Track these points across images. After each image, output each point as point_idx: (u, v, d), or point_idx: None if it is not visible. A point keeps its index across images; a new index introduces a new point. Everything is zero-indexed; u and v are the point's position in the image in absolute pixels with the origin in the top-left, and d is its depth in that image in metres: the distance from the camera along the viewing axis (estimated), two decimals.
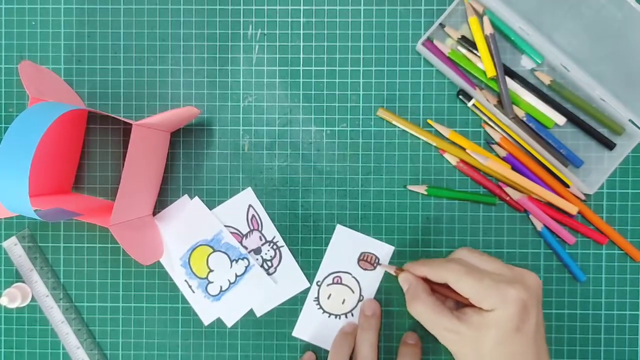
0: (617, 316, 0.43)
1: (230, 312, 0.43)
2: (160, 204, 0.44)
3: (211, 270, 0.43)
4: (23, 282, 0.44)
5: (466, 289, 0.35)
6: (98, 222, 0.38)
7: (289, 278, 0.43)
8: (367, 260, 0.43)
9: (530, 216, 0.43)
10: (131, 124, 0.37)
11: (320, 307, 0.43)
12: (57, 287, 0.44)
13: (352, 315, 0.43)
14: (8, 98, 0.45)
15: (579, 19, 0.39)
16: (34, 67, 0.39)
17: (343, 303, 0.43)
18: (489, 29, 0.42)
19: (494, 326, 0.34)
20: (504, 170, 0.42)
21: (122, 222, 0.39)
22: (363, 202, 0.44)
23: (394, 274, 0.41)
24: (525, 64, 0.43)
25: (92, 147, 0.45)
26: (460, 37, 0.43)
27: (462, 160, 0.43)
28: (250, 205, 0.43)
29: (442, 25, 0.43)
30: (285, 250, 0.43)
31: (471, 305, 0.35)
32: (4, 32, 0.45)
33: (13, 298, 0.43)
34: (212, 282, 0.43)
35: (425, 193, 0.43)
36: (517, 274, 0.35)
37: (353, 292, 0.43)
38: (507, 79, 0.42)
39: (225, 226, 0.43)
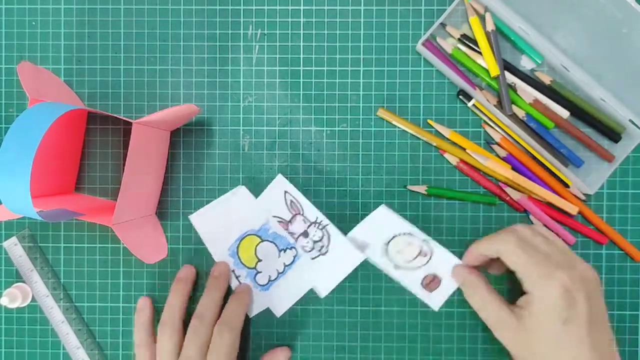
0: (617, 316, 0.43)
1: (279, 302, 0.42)
2: (161, 204, 0.44)
3: (259, 260, 0.42)
4: (23, 282, 0.44)
5: (513, 262, 0.35)
6: (101, 222, 0.38)
7: (342, 254, 0.42)
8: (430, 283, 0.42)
9: (530, 216, 0.43)
10: (131, 123, 0.37)
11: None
12: (58, 287, 0.44)
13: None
14: (8, 98, 0.45)
15: (579, 19, 0.39)
16: (33, 68, 0.39)
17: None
18: (490, 26, 0.42)
19: (537, 312, 0.33)
20: (504, 170, 0.42)
21: (125, 222, 0.39)
22: (363, 202, 0.44)
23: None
24: (525, 64, 0.43)
25: (92, 147, 0.45)
26: (461, 34, 0.43)
27: (462, 160, 0.43)
28: (285, 192, 0.43)
29: (443, 25, 0.43)
30: (332, 228, 0.42)
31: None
32: (4, 32, 0.45)
33: (13, 298, 0.43)
34: (260, 272, 0.42)
35: (425, 193, 0.43)
36: (569, 260, 0.35)
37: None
38: (510, 75, 0.42)
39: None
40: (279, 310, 0.43)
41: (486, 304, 0.37)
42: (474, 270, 0.39)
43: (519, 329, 0.34)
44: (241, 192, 0.43)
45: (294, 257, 0.42)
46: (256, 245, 0.42)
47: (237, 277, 0.42)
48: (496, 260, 0.38)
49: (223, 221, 0.43)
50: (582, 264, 0.35)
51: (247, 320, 0.43)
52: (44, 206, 0.39)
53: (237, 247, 0.43)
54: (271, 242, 0.42)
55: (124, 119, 0.39)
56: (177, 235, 0.44)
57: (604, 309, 0.35)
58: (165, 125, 0.42)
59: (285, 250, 0.42)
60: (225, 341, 0.37)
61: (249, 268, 0.42)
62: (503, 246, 0.36)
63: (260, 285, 0.42)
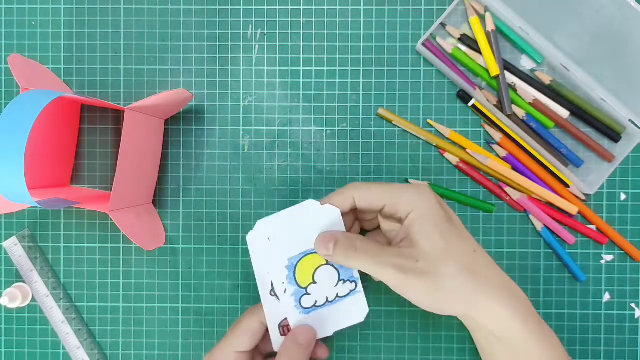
0: (617, 316, 0.43)
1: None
2: (161, 204, 0.44)
3: (314, 282, 0.39)
4: (23, 282, 0.44)
5: (379, 196, 0.35)
6: (98, 209, 0.38)
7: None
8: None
9: (530, 216, 0.43)
10: (123, 111, 0.37)
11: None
12: (58, 287, 0.44)
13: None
14: (8, 98, 0.45)
15: (579, 19, 0.39)
16: (23, 60, 0.39)
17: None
18: (491, 26, 0.42)
19: (423, 219, 0.34)
20: (504, 170, 0.42)
21: (122, 209, 0.39)
22: None
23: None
24: (525, 64, 0.43)
25: (88, 139, 0.45)
26: (461, 34, 0.43)
27: (462, 160, 0.43)
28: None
29: (443, 25, 0.43)
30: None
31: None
32: (4, 32, 0.45)
33: (13, 298, 0.43)
34: (309, 295, 0.39)
35: None
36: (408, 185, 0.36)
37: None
38: (510, 75, 0.42)
39: None
40: None
41: (379, 252, 0.34)
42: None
43: (413, 253, 0.34)
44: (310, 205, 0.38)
45: (351, 291, 0.38)
46: (317, 267, 0.39)
47: (275, 289, 0.39)
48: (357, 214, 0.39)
49: (297, 230, 0.39)
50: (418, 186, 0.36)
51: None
52: (40, 198, 0.39)
53: (297, 262, 0.39)
54: (336, 269, 0.39)
55: (114, 106, 0.39)
56: (177, 235, 0.44)
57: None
58: (158, 112, 0.41)
59: (345, 282, 0.39)
60: None
61: (299, 287, 0.39)
62: (358, 192, 0.35)
63: (303, 307, 0.38)
